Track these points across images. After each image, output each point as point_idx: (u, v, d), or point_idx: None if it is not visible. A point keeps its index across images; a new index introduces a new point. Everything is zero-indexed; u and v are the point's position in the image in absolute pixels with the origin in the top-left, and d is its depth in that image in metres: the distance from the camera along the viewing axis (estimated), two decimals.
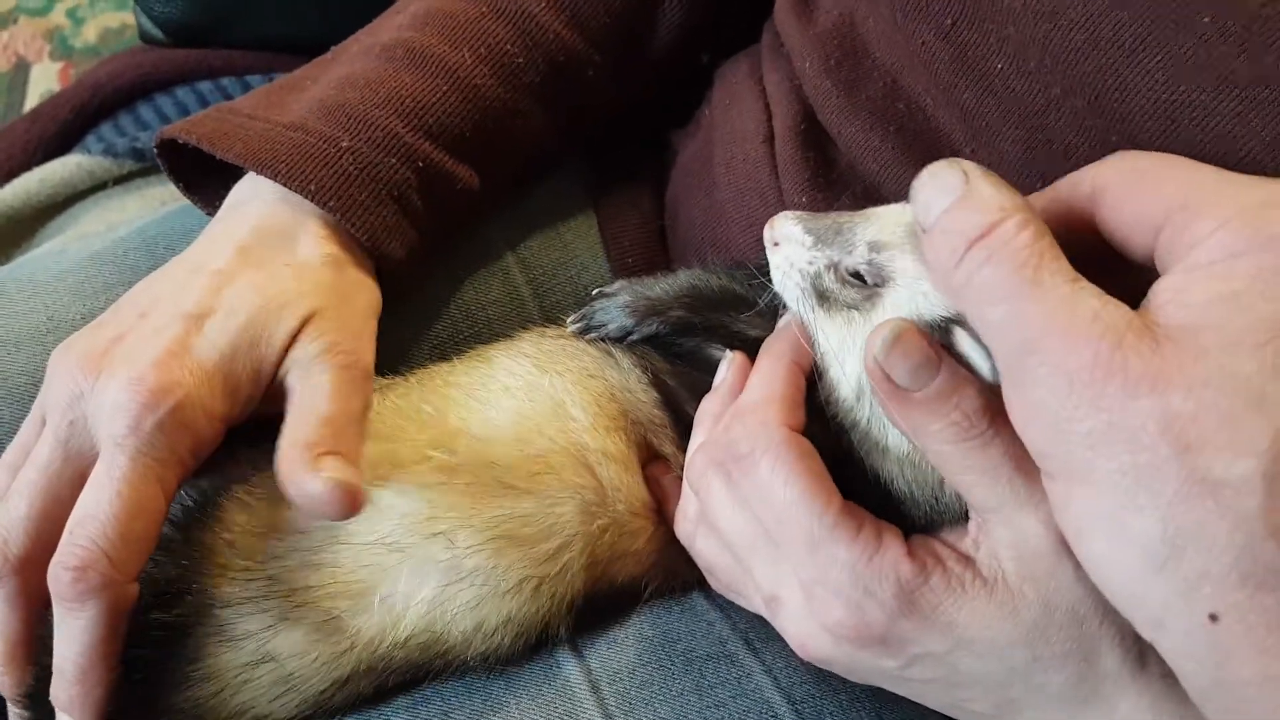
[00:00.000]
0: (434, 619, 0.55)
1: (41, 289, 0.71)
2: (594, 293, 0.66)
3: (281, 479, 0.52)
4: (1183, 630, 0.37)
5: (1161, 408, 0.37)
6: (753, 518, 0.50)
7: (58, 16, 1.88)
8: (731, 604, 0.59)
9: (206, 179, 0.69)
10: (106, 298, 0.70)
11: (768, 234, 0.54)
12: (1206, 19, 0.46)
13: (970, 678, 0.47)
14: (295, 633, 0.54)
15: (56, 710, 0.53)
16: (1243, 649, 0.36)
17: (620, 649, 0.58)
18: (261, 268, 0.60)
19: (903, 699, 0.51)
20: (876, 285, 0.50)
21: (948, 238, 0.42)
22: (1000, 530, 0.46)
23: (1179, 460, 0.36)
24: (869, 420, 0.51)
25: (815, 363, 0.53)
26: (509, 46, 0.70)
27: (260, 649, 0.54)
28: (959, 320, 0.47)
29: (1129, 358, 0.37)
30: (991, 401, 0.45)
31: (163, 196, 0.98)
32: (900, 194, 0.61)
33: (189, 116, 0.71)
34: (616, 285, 0.66)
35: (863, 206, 0.54)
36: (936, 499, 0.50)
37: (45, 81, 1.81)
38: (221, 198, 0.67)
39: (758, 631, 0.59)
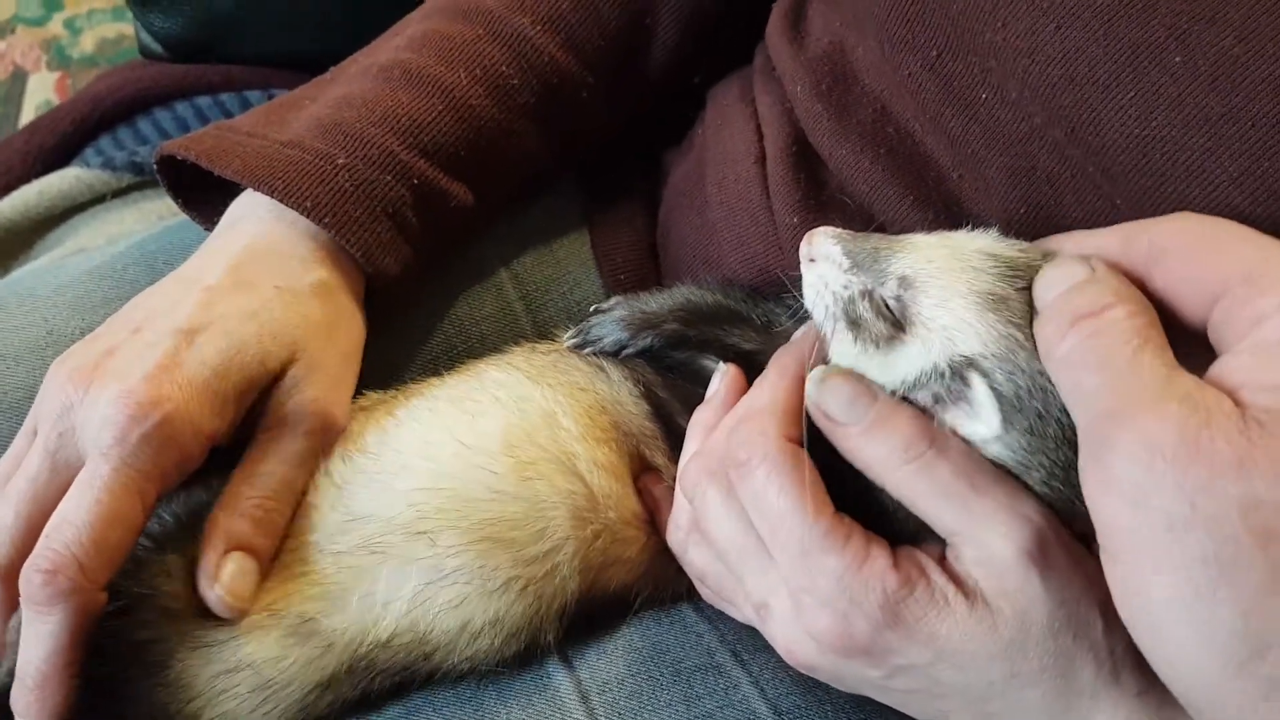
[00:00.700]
0: (416, 618, 0.56)
1: (41, 303, 0.72)
2: (591, 310, 0.68)
3: (202, 547, 0.55)
4: None
5: (1248, 494, 0.36)
6: (746, 526, 0.52)
7: (55, 27, 1.89)
8: (720, 615, 0.60)
9: (205, 195, 0.70)
10: (105, 312, 0.70)
11: (804, 249, 0.54)
12: (1178, 58, 0.48)
13: (951, 689, 0.48)
14: (268, 638, 0.55)
15: (15, 717, 0.53)
16: None
17: (610, 660, 0.59)
18: (253, 289, 0.61)
19: (888, 710, 0.52)
20: (898, 327, 0.50)
21: (1061, 313, 0.44)
22: (967, 550, 0.47)
23: (1264, 553, 0.35)
24: None
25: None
26: (504, 68, 0.71)
27: (233, 656, 0.55)
28: (976, 364, 0.48)
29: (1216, 438, 0.37)
30: (928, 426, 0.47)
31: (160, 211, 0.99)
32: (889, 216, 0.63)
33: (188, 133, 0.72)
34: (612, 301, 0.68)
35: (853, 227, 0.55)
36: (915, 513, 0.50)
37: (42, 91, 1.81)
38: (219, 214, 0.68)
39: (745, 643, 0.60)
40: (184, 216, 0.73)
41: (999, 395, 0.47)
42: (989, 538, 0.46)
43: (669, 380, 0.64)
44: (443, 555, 0.56)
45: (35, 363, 0.69)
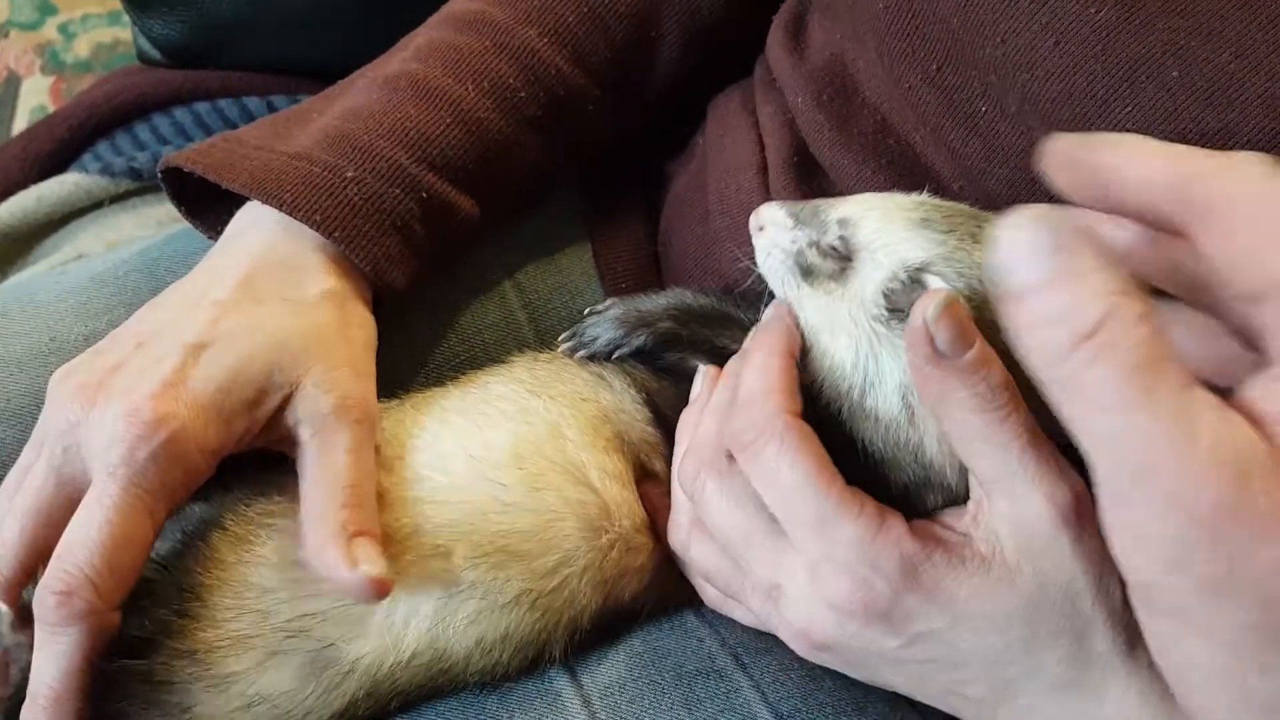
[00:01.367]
0: (436, 635, 0.56)
1: (43, 310, 0.72)
2: (586, 312, 0.68)
3: (311, 555, 0.54)
4: None
5: None
6: (749, 511, 0.52)
7: (49, 31, 1.88)
8: (721, 620, 0.61)
9: (209, 204, 0.70)
10: (108, 319, 0.71)
11: (753, 221, 0.57)
12: (1175, 73, 0.49)
13: (969, 655, 0.48)
14: (286, 669, 0.55)
15: None
16: None
17: (611, 664, 0.60)
18: (262, 302, 0.61)
19: (889, 715, 0.53)
20: (847, 258, 0.53)
21: (1049, 328, 0.36)
22: (1002, 503, 0.47)
23: None
24: (863, 387, 0.53)
25: (802, 345, 0.56)
26: (511, 80, 0.72)
27: (249, 690, 0.55)
28: (927, 267, 0.50)
29: (1256, 497, 0.33)
30: (1012, 381, 0.45)
31: (159, 216, 0.99)
32: None
33: (193, 144, 0.72)
34: (608, 302, 0.68)
35: None
36: (918, 460, 0.52)
37: (36, 96, 1.80)
38: (224, 223, 0.68)
39: (747, 647, 0.60)
40: (185, 223, 0.73)
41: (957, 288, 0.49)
42: (1030, 497, 0.46)
43: (666, 385, 0.65)
44: (459, 569, 0.56)
45: (39, 369, 0.69)
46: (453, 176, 0.69)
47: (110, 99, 1.05)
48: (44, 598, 0.51)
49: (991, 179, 0.59)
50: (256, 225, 0.66)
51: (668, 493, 0.61)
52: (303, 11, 1.03)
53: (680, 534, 0.58)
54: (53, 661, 0.51)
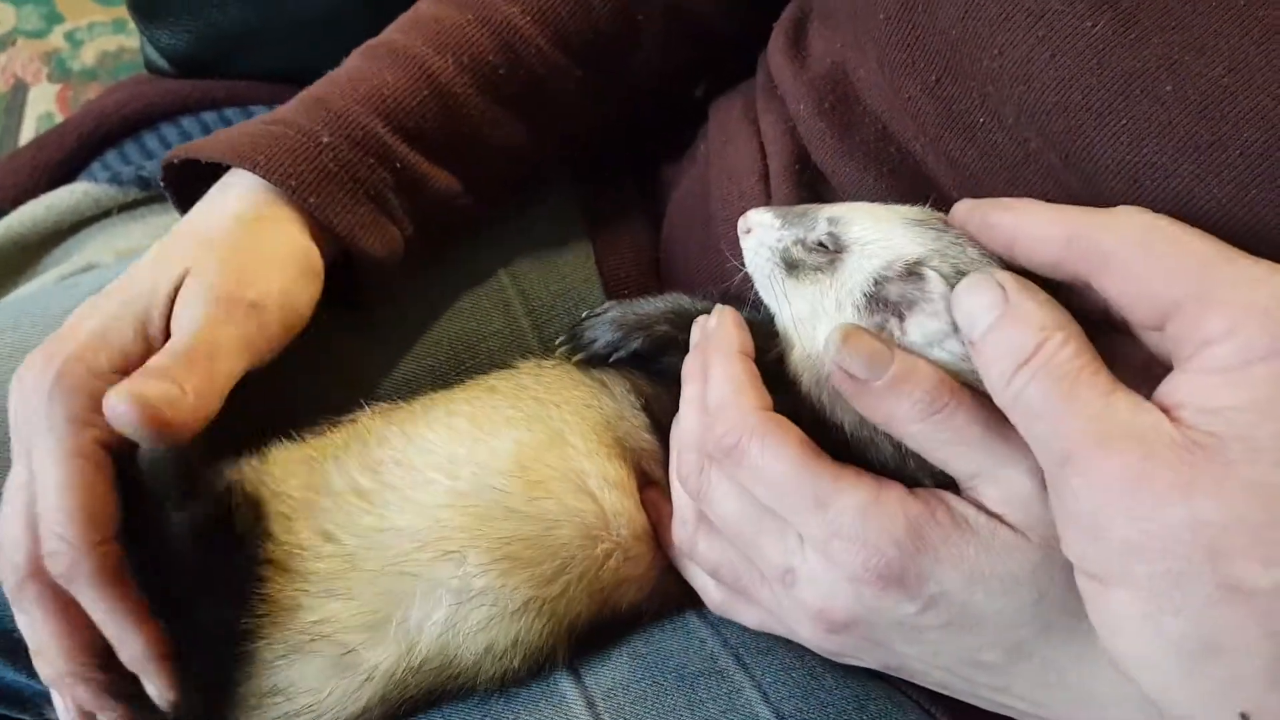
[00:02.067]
0: (447, 641, 0.57)
1: (54, 322, 0.71)
2: (583, 315, 0.69)
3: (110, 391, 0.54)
4: None
5: (1192, 516, 0.39)
6: (754, 499, 0.53)
7: (56, 39, 1.90)
8: (723, 621, 0.62)
9: None
10: None
11: (741, 224, 0.59)
12: (1169, 87, 0.49)
13: (981, 618, 0.49)
14: (310, 666, 0.56)
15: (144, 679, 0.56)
16: None
17: (615, 666, 0.61)
18: (175, 237, 0.63)
19: (892, 711, 0.53)
20: (837, 251, 0.55)
21: (998, 360, 0.45)
22: (990, 490, 0.49)
23: (1211, 567, 0.39)
24: None
25: (781, 336, 0.58)
26: (491, 57, 0.72)
27: (275, 678, 0.56)
28: (923, 261, 0.52)
29: (1158, 468, 0.40)
30: (945, 377, 0.49)
31: (167, 225, 0.99)
32: None
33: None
34: (605, 305, 0.69)
35: None
36: (891, 441, 0.53)
37: (43, 103, 1.82)
38: None
39: (749, 647, 0.61)
40: None
41: (952, 284, 0.50)
42: (1012, 474, 0.48)
43: (664, 393, 0.65)
44: (470, 575, 0.57)
45: None
46: (427, 149, 0.69)
47: (119, 108, 1.06)
48: (48, 561, 0.55)
49: (989, 189, 0.59)
50: (231, 184, 0.66)
51: (669, 498, 0.62)
52: (308, 21, 1.05)
53: (686, 531, 0.59)
54: (94, 608, 0.55)
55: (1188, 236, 0.45)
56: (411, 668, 0.57)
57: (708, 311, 0.65)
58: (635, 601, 0.62)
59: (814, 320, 0.55)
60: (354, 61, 0.71)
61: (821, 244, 0.55)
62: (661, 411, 0.64)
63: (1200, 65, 0.49)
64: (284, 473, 0.61)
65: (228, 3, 1.04)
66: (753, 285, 0.60)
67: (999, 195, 0.59)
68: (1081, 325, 0.46)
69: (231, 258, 0.61)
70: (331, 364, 0.70)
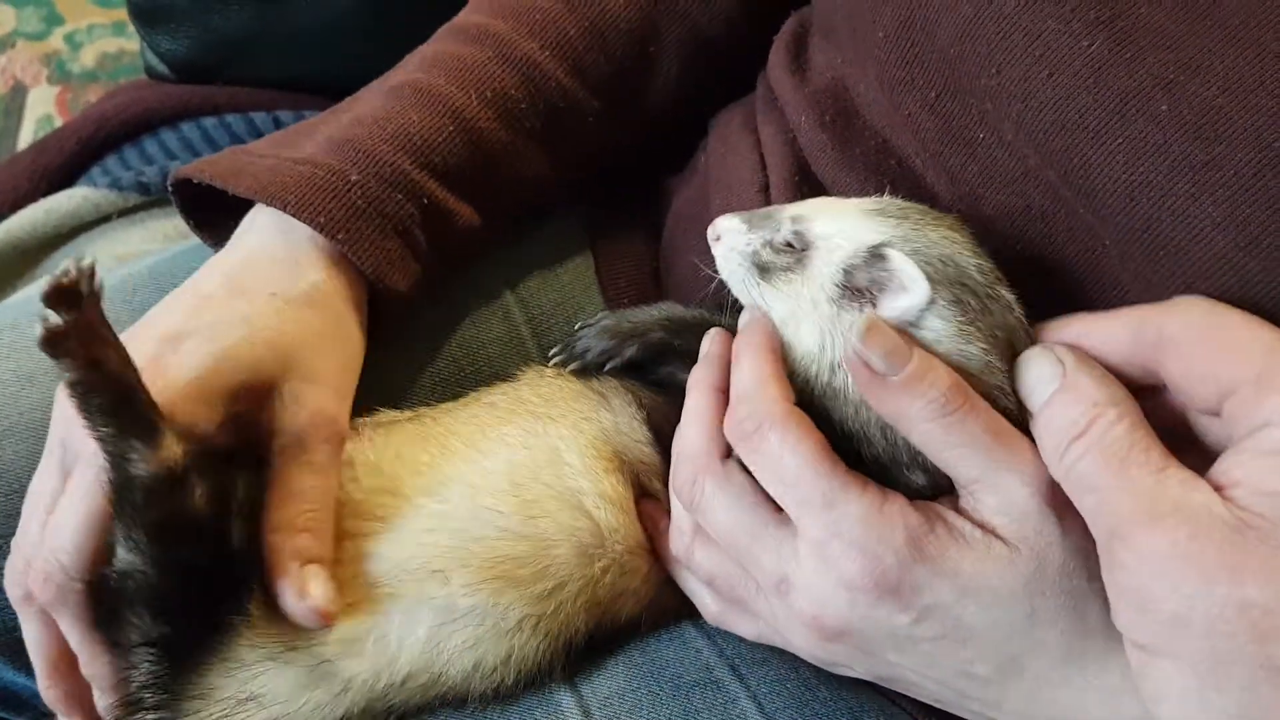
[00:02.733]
0: (431, 659, 0.58)
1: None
2: (577, 326, 0.69)
3: (270, 568, 0.56)
4: None
5: (1240, 596, 0.41)
6: (750, 506, 0.54)
7: (56, 41, 1.90)
8: (719, 631, 0.62)
9: (218, 218, 0.71)
10: None
11: (711, 233, 0.60)
12: (1164, 107, 0.50)
13: (974, 631, 0.50)
14: (283, 677, 0.56)
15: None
16: None
17: (611, 676, 0.61)
18: (246, 296, 0.62)
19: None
20: (803, 250, 0.56)
21: (1054, 433, 0.48)
22: (988, 497, 0.50)
23: (1257, 647, 0.40)
24: (830, 367, 0.56)
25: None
26: (513, 92, 0.73)
27: (247, 686, 0.56)
28: (886, 244, 0.54)
29: (1206, 547, 0.42)
30: (961, 381, 0.50)
31: (167, 230, 1.01)
32: None
33: (195, 154, 0.74)
34: (599, 315, 0.69)
35: None
36: (885, 435, 0.54)
37: (42, 106, 1.82)
38: (230, 236, 0.69)
39: (744, 658, 0.61)
40: (194, 238, 0.75)
41: (915, 261, 0.52)
42: (1011, 484, 0.49)
43: (664, 403, 0.65)
44: (456, 595, 0.58)
45: (49, 383, 0.70)
46: (453, 184, 0.70)
47: (119, 113, 1.06)
48: (34, 582, 0.56)
49: (988, 204, 0.60)
50: (255, 228, 0.67)
51: (667, 510, 0.62)
52: (307, 29, 1.05)
53: (683, 541, 0.59)
54: (69, 633, 0.57)
55: (1249, 323, 0.47)
56: (393, 683, 0.57)
57: (702, 320, 0.66)
58: (633, 613, 0.62)
59: (795, 320, 0.57)
60: (378, 101, 0.72)
61: (789, 244, 0.57)
62: (662, 422, 0.64)
63: (1195, 85, 0.49)
64: None
65: (229, 9, 1.05)
66: (723, 290, 0.61)
67: (996, 211, 0.60)
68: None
69: (329, 369, 0.63)
70: None
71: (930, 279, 0.52)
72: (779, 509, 0.54)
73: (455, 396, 0.70)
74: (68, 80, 1.85)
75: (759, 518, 0.54)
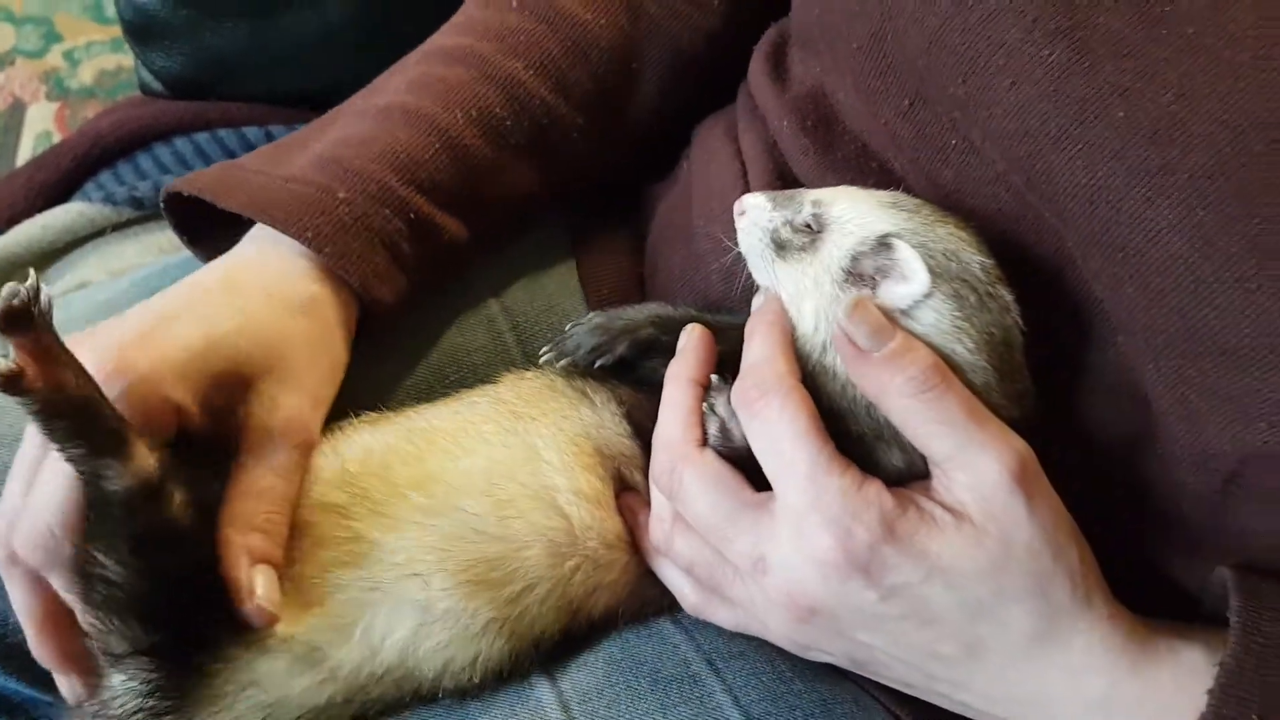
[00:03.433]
0: (407, 656, 0.59)
1: None
2: (568, 327, 0.70)
3: (221, 562, 0.57)
4: None
5: None
6: (729, 490, 0.56)
7: (54, 58, 1.91)
8: (696, 627, 0.64)
9: (210, 232, 0.72)
10: None
11: (737, 208, 0.63)
12: (1121, 113, 0.51)
13: (940, 611, 0.52)
14: (278, 661, 0.58)
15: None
16: None
17: (590, 671, 0.62)
18: (241, 291, 0.64)
19: (856, 714, 0.55)
20: (819, 231, 0.59)
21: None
22: (960, 475, 0.52)
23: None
24: (824, 345, 0.58)
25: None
26: (497, 110, 0.74)
27: (248, 673, 0.58)
28: (894, 234, 0.56)
29: None
30: (940, 362, 0.53)
31: (160, 243, 1.02)
32: None
33: (194, 170, 0.75)
34: (589, 315, 0.71)
35: None
36: (869, 414, 0.57)
37: (41, 122, 1.83)
38: (221, 250, 0.71)
39: (720, 653, 0.63)
40: (186, 252, 0.76)
41: (920, 253, 0.55)
42: (982, 463, 0.52)
43: (645, 399, 0.67)
44: (434, 598, 0.59)
45: None
46: (439, 199, 0.72)
47: (114, 129, 1.08)
48: (21, 547, 0.57)
49: (967, 206, 0.62)
50: (253, 238, 0.69)
51: (648, 502, 0.63)
52: (297, 46, 1.07)
53: (663, 530, 0.61)
54: (33, 596, 0.59)
55: None
56: (374, 675, 0.59)
57: (690, 318, 0.67)
58: (610, 606, 0.64)
59: (800, 299, 0.59)
60: (365, 124, 0.73)
61: (807, 225, 0.60)
62: (643, 417, 0.66)
63: (1151, 92, 0.51)
64: None
65: (221, 27, 1.06)
66: (742, 262, 0.63)
67: (976, 212, 0.62)
68: None
69: (311, 377, 0.64)
70: None
71: (932, 271, 0.55)
72: (756, 493, 0.56)
73: None
74: (66, 97, 1.86)
75: (737, 501, 0.56)
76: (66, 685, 0.61)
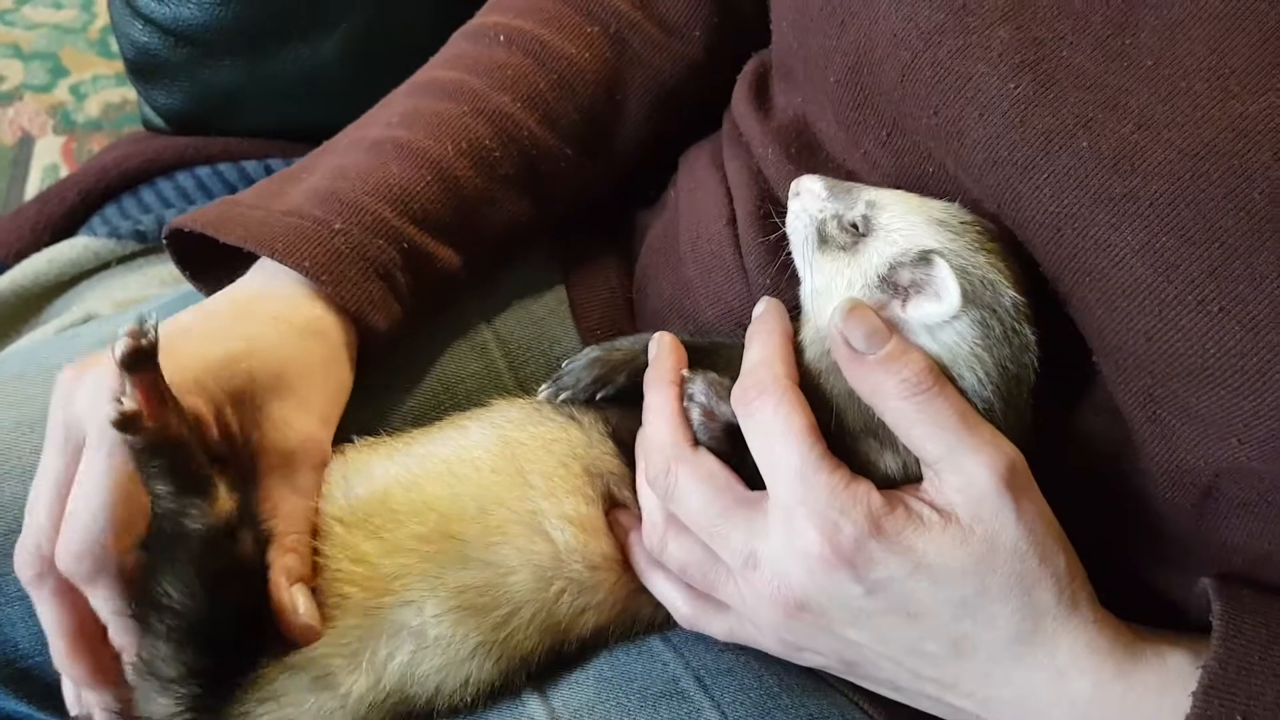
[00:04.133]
0: (405, 681, 0.60)
1: (55, 373, 0.76)
2: (564, 364, 0.72)
3: (272, 587, 0.59)
4: None
5: None
6: (722, 488, 0.57)
7: (61, 93, 1.95)
8: (685, 644, 0.65)
9: (212, 266, 0.74)
10: None
11: (793, 188, 0.64)
12: (1085, 143, 0.53)
13: (925, 606, 0.53)
14: (298, 679, 0.60)
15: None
16: None
17: (580, 689, 0.64)
18: (251, 317, 0.66)
19: None
20: (864, 234, 0.60)
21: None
22: (950, 477, 0.53)
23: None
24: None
25: (801, 312, 0.64)
26: (488, 142, 0.76)
27: (268, 688, 0.59)
28: (937, 251, 0.57)
29: None
30: (933, 365, 0.54)
31: (163, 276, 1.04)
32: None
33: (190, 202, 0.77)
34: (584, 350, 0.72)
35: None
36: (860, 407, 0.58)
37: (48, 155, 1.86)
38: (223, 284, 0.73)
39: (709, 669, 0.64)
40: (188, 284, 0.78)
41: (958, 276, 0.55)
42: (972, 466, 0.53)
43: (632, 417, 0.68)
44: (427, 625, 0.60)
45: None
46: (432, 228, 0.74)
47: (118, 165, 1.10)
48: (64, 558, 0.57)
49: None
50: (257, 269, 0.71)
51: (638, 517, 0.65)
52: (293, 82, 1.09)
53: (656, 534, 0.62)
54: (100, 609, 0.58)
55: None
56: (376, 702, 0.60)
57: (683, 342, 0.68)
58: (600, 625, 0.65)
59: (828, 296, 0.60)
60: (359, 157, 0.75)
61: (854, 224, 0.60)
62: (627, 434, 0.67)
63: (1113, 123, 0.52)
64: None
65: (219, 65, 1.08)
66: (787, 247, 0.65)
67: None
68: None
69: (320, 397, 0.66)
70: None
71: (965, 295, 0.55)
72: (748, 490, 0.57)
73: None
74: (73, 130, 1.89)
75: (730, 498, 0.57)
76: (93, 702, 0.61)
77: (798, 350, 0.61)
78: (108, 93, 1.94)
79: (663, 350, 0.64)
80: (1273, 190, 0.48)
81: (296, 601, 0.58)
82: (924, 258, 0.57)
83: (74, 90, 1.94)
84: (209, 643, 0.57)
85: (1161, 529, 0.59)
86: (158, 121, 1.14)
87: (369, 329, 0.70)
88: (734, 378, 0.60)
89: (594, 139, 0.82)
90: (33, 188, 1.81)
